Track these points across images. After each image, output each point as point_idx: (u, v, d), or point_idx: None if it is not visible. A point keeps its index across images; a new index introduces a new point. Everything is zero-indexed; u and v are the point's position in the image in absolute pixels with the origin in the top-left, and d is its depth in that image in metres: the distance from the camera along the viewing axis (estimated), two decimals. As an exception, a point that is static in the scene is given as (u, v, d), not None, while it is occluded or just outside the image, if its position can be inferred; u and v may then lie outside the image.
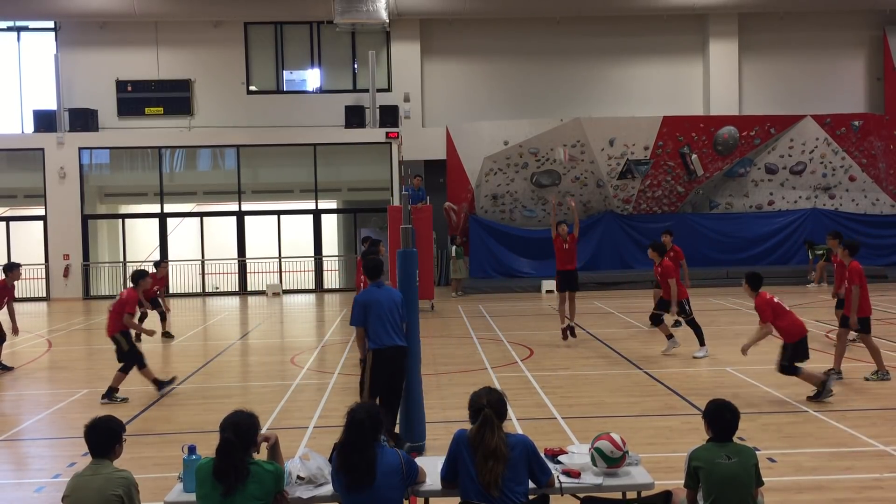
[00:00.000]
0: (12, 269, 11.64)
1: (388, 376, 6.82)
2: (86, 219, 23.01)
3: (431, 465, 4.75)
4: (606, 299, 18.55)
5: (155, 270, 14.80)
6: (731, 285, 20.78)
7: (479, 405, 4.45)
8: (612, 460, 4.68)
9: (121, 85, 23.49)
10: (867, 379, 9.52)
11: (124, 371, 9.55)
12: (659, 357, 11.40)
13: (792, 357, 8.52)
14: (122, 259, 23.45)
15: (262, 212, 23.80)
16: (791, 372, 8.56)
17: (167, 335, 14.52)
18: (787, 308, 8.71)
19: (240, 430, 4.12)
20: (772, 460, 6.57)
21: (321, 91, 24.21)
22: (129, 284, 10.06)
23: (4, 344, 13.03)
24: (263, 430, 4.45)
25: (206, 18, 23.49)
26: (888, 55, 23.72)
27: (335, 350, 12.81)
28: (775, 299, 8.68)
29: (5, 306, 11.69)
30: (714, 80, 23.96)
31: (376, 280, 6.99)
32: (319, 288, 23.59)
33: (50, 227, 22.74)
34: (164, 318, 14.70)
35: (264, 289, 22.77)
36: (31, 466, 7.36)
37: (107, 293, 23.08)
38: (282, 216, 23.67)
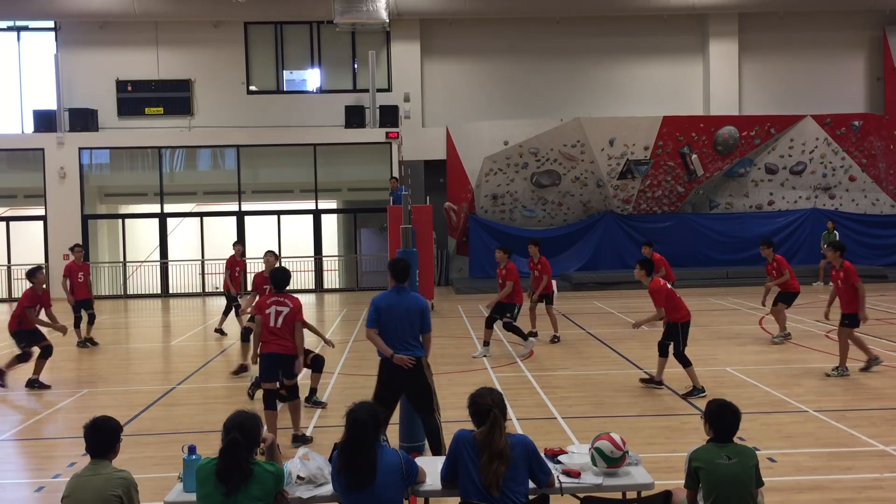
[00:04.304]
0: (35, 273, 10.83)
1: (398, 388, 6.50)
2: (86, 219, 23.01)
3: (431, 465, 4.75)
4: (606, 299, 18.55)
5: (233, 252, 14.44)
6: (731, 285, 20.81)
7: (485, 406, 4.45)
8: (612, 460, 4.69)
9: (121, 85, 23.49)
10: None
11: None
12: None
13: (685, 340, 9.16)
14: (122, 259, 23.45)
15: (262, 212, 23.80)
16: (686, 360, 9.08)
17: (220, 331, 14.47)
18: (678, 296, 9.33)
19: (245, 430, 4.13)
20: (772, 460, 6.57)
21: (321, 91, 24.21)
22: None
23: (2, 345, 13.05)
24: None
25: (206, 18, 23.48)
26: (888, 55, 23.72)
27: (335, 350, 12.79)
28: (668, 285, 9.32)
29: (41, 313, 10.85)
30: (714, 80, 23.95)
31: (400, 283, 6.57)
32: (319, 288, 23.59)
33: (50, 227, 22.74)
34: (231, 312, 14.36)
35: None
36: (31, 466, 7.36)
37: (107, 293, 23.08)
38: (282, 216, 23.67)
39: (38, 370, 10.47)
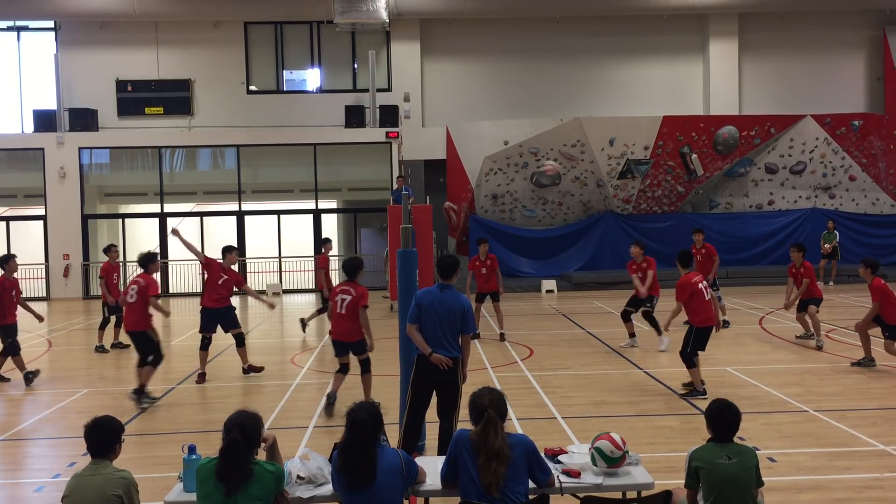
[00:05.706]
0: (7, 261, 10.86)
1: (431, 387, 6.37)
2: (86, 219, 23.01)
3: (431, 465, 4.76)
4: (606, 299, 18.55)
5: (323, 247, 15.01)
6: (732, 285, 20.77)
7: (481, 406, 4.45)
8: (612, 460, 4.69)
9: (121, 85, 23.48)
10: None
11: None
12: (659, 357, 11.41)
13: (695, 344, 8.93)
14: (122, 259, 23.43)
15: (262, 212, 23.80)
16: (689, 361, 8.94)
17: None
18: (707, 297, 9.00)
19: (245, 430, 4.13)
20: (772, 460, 6.58)
21: (321, 91, 24.21)
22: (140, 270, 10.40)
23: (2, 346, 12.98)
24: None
25: (206, 18, 23.48)
26: (888, 55, 23.71)
27: (335, 350, 12.78)
28: (700, 285, 8.96)
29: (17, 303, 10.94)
30: (714, 80, 23.95)
31: (446, 280, 6.44)
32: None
33: (50, 227, 22.74)
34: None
35: (264, 289, 22.76)
36: (31, 466, 7.37)
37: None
38: (282, 216, 23.68)
39: None
